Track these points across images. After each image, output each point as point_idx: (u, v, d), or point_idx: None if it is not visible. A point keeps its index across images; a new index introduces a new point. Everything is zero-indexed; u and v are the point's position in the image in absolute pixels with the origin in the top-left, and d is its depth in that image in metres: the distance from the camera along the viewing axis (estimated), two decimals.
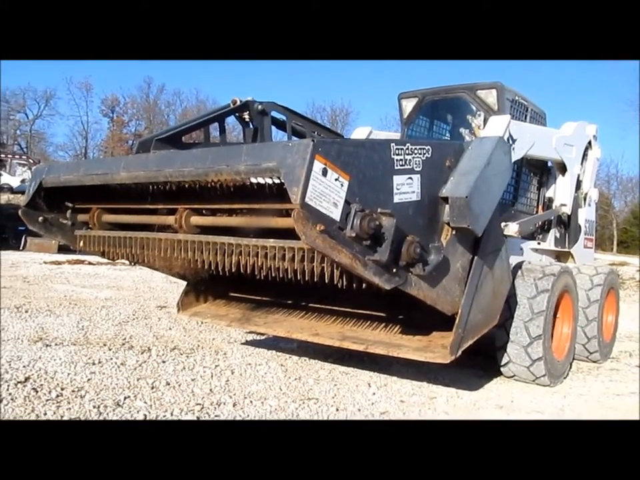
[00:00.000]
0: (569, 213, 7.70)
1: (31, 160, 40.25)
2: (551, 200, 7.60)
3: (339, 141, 3.54)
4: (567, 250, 7.84)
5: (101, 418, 4.02)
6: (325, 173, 3.13)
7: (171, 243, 4.39)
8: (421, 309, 4.38)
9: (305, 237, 3.13)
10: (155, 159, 4.21)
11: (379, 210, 3.47)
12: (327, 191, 3.17)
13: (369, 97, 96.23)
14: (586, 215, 8.35)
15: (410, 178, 3.82)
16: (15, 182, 35.40)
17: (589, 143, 8.33)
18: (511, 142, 6.05)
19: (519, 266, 5.88)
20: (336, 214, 3.25)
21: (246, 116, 4.96)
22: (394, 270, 3.71)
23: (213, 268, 4.36)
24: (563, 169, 7.52)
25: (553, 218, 7.55)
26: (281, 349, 6.87)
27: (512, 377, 5.91)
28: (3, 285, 10.96)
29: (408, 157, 3.79)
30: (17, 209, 19.02)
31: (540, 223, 7.38)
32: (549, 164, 7.69)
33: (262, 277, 4.34)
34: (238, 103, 5.30)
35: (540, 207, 7.51)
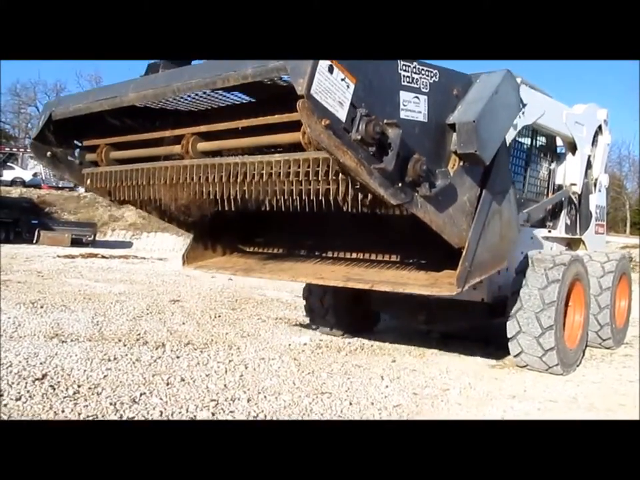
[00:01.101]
0: (579, 193, 7.65)
1: None
2: (560, 187, 7.56)
3: None
4: (578, 237, 7.81)
5: (118, 415, 4.09)
6: (331, 69, 3.18)
7: (177, 170, 4.42)
8: (428, 249, 4.45)
9: (310, 130, 3.17)
10: (162, 76, 4.26)
11: (385, 120, 3.50)
12: (333, 89, 3.21)
13: None
14: (597, 201, 8.33)
15: (417, 97, 3.84)
16: (27, 175, 35.69)
17: (599, 127, 8.28)
18: (521, 105, 6.13)
19: (529, 256, 5.88)
20: (341, 114, 3.28)
21: None
22: (399, 184, 3.70)
23: (218, 196, 4.38)
24: (573, 147, 7.50)
25: (563, 200, 7.49)
26: (293, 342, 6.93)
27: (524, 366, 5.93)
28: (18, 279, 11.10)
29: (415, 76, 3.81)
30: (30, 202, 19.10)
31: (550, 209, 7.36)
32: (558, 149, 7.65)
33: (266, 208, 4.34)
34: None
35: (550, 195, 7.47)
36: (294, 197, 4.02)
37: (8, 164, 35.93)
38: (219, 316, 8.44)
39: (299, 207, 4.10)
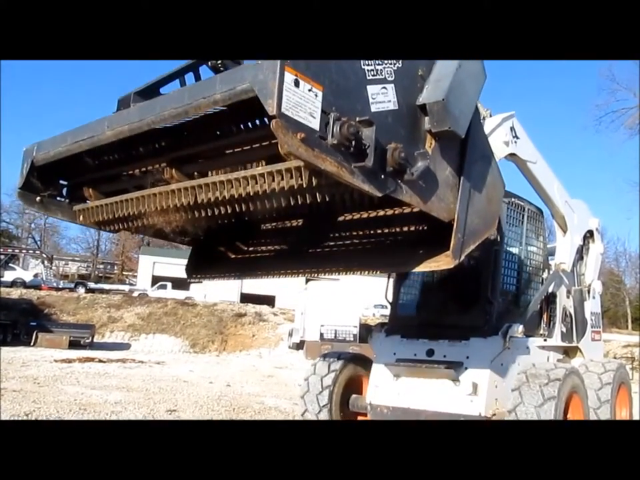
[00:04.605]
0: (569, 270, 7.77)
1: (44, 254, 41.01)
2: (554, 295, 7.67)
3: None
4: (574, 345, 7.83)
5: None
6: (297, 84, 3.21)
7: (165, 195, 4.43)
8: (422, 229, 4.55)
9: (287, 146, 3.15)
10: (135, 111, 4.30)
11: (357, 119, 3.51)
12: (302, 101, 3.24)
13: None
14: (592, 308, 8.41)
15: (384, 87, 3.85)
16: (27, 276, 35.95)
17: (591, 234, 8.54)
18: (513, 134, 6.46)
19: (523, 370, 5.90)
20: (315, 123, 3.30)
21: (219, 64, 5.03)
22: (382, 176, 3.71)
23: (210, 213, 4.42)
24: (563, 225, 7.76)
25: (557, 302, 7.57)
26: None
27: None
28: (13, 387, 10.99)
29: (379, 67, 3.82)
30: (29, 303, 19.10)
31: (545, 318, 7.43)
32: (550, 259, 7.83)
33: (259, 223, 4.36)
34: None
35: (543, 274, 7.58)
36: (283, 205, 4.07)
37: (10, 265, 36.25)
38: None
39: (289, 213, 4.12)
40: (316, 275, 5.50)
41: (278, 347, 28.56)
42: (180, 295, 39.22)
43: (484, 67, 4.64)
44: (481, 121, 5.66)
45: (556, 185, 7.46)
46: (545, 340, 7.34)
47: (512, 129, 6.43)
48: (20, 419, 7.89)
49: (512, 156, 6.63)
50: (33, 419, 7.99)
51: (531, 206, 7.45)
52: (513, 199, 7.05)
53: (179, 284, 41.22)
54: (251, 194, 3.96)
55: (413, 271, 4.74)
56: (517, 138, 6.52)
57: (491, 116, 6.38)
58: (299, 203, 3.97)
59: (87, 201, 5.17)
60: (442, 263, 4.40)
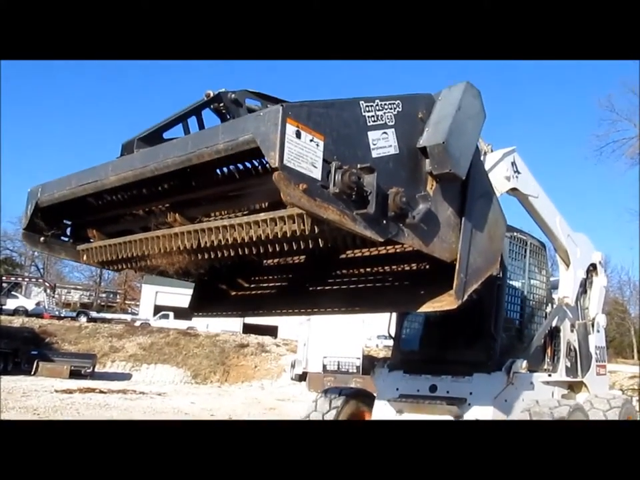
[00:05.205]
0: (572, 304, 7.71)
1: (46, 283, 41.03)
2: (558, 329, 7.62)
3: (308, 103, 3.52)
4: (579, 380, 7.75)
5: None
6: (298, 135, 3.23)
7: (168, 238, 4.45)
8: (424, 271, 4.52)
9: (290, 198, 3.16)
10: (139, 157, 4.34)
11: (358, 166, 3.51)
12: (304, 152, 3.25)
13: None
14: (596, 342, 8.33)
15: (385, 132, 3.86)
16: (30, 304, 35.90)
17: (594, 267, 8.51)
18: (514, 169, 6.45)
19: (527, 408, 5.83)
20: (316, 173, 3.31)
21: (221, 107, 4.99)
22: (384, 222, 3.70)
23: (213, 256, 4.42)
24: (566, 258, 7.71)
25: (562, 339, 7.51)
26: None
27: None
28: (12, 419, 10.88)
29: (379, 113, 3.84)
30: (31, 332, 19.12)
31: (549, 353, 7.37)
32: (553, 294, 7.80)
33: (262, 260, 4.36)
34: (211, 95, 5.30)
35: (547, 309, 7.52)
36: (286, 249, 4.07)
37: (12, 293, 36.26)
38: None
39: (291, 255, 4.10)
40: (317, 314, 5.47)
41: (280, 378, 28.36)
42: (182, 324, 39.07)
43: (483, 106, 4.68)
44: (482, 157, 5.70)
45: (558, 219, 7.46)
46: (549, 375, 7.26)
47: (513, 163, 6.46)
48: None
49: (513, 191, 6.64)
50: None
51: (533, 240, 7.45)
52: (514, 233, 7.05)
53: (181, 313, 41.07)
54: (254, 238, 3.98)
55: (416, 311, 4.71)
56: (519, 173, 6.54)
57: (492, 151, 6.42)
58: (302, 247, 3.98)
59: (91, 241, 5.20)
60: (445, 303, 4.38)
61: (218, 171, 4.21)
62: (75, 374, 22.68)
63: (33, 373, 22.69)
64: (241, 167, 4.17)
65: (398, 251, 4.67)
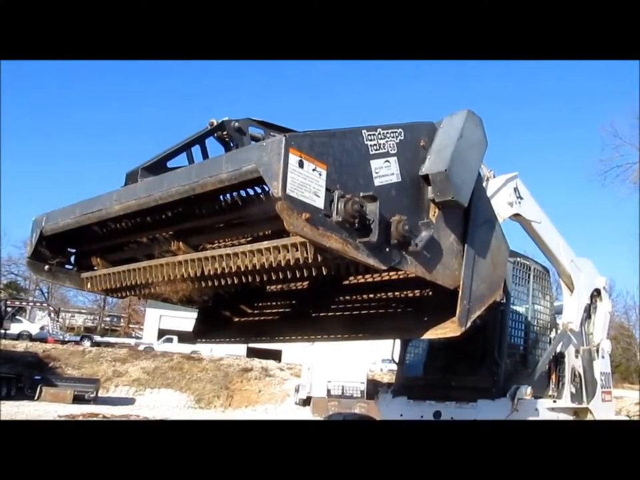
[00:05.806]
0: (577, 330, 7.67)
1: (51, 307, 41.04)
2: (562, 355, 7.60)
3: (311, 132, 3.55)
4: (584, 406, 7.70)
5: None
6: (301, 164, 3.25)
7: (172, 266, 4.47)
8: (427, 297, 4.51)
9: (293, 227, 3.18)
10: (143, 186, 4.37)
11: (361, 194, 3.52)
12: (307, 182, 3.28)
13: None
14: (601, 368, 8.28)
15: (387, 161, 3.87)
16: (34, 329, 35.89)
17: (598, 292, 8.50)
18: (517, 195, 6.50)
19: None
20: (319, 202, 3.32)
21: (225, 136, 5.01)
22: (387, 250, 3.69)
23: (217, 283, 4.46)
24: (570, 283, 7.69)
25: (566, 365, 7.48)
26: None
27: None
28: None
29: (381, 141, 3.86)
30: (34, 357, 19.09)
31: (554, 379, 7.34)
32: (557, 319, 7.79)
33: (265, 286, 4.33)
34: (215, 124, 5.31)
35: (551, 334, 7.51)
36: (289, 277, 4.11)
37: (16, 317, 36.28)
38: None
39: (294, 282, 4.15)
40: (320, 340, 5.49)
41: (284, 403, 28.18)
42: (186, 348, 38.90)
43: (485, 134, 4.71)
44: (484, 182, 5.75)
45: (561, 244, 7.48)
46: (554, 401, 7.21)
47: (516, 189, 6.52)
48: None
49: (516, 216, 6.69)
50: None
51: (536, 265, 7.46)
52: (518, 258, 7.07)
53: (185, 337, 40.96)
54: (257, 266, 4.00)
55: (420, 338, 4.72)
56: (521, 198, 6.59)
57: (494, 177, 6.47)
58: (305, 274, 4.02)
59: (95, 269, 5.24)
60: (448, 330, 4.38)
61: (221, 197, 4.26)
62: (78, 399, 22.60)
63: (36, 398, 22.63)
64: (244, 193, 4.23)
65: (401, 277, 4.72)
